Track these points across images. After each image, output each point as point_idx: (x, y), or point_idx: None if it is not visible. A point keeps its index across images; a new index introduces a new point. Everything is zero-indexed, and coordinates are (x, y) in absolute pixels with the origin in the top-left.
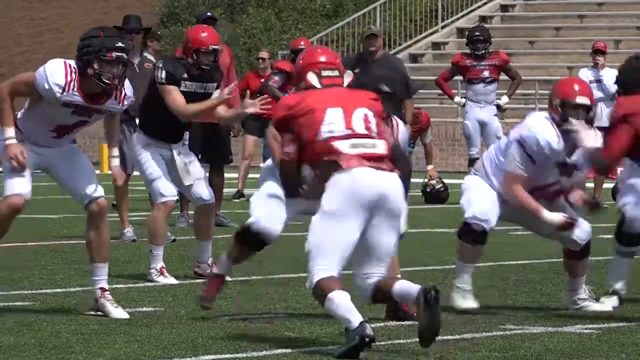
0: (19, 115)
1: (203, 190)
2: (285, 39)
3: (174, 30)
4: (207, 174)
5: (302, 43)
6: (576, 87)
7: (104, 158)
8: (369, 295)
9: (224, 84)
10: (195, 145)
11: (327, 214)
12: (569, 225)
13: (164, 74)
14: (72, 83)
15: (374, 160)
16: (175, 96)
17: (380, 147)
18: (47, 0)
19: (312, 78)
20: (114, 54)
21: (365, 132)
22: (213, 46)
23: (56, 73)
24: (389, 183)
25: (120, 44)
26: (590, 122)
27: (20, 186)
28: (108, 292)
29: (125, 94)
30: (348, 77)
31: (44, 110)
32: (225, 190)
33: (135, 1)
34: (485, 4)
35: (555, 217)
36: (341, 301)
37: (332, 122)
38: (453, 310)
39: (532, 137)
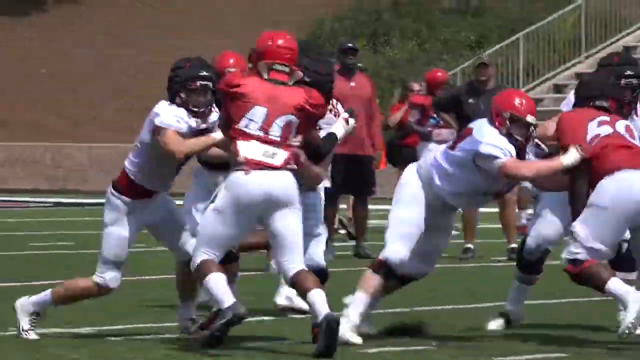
0: (132, 167)
1: None
2: (429, 70)
3: None
4: (352, 205)
5: (440, 74)
6: (525, 104)
7: None
8: (289, 281)
9: (366, 114)
10: (339, 177)
11: (216, 210)
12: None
13: None
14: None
15: (266, 168)
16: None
17: (278, 159)
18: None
19: (262, 68)
20: (199, 83)
21: (277, 139)
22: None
23: (172, 110)
24: (275, 182)
25: (204, 73)
26: (530, 138)
27: (112, 276)
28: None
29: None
30: (296, 76)
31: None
32: (371, 221)
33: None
34: (629, 33)
35: (570, 155)
36: (218, 283)
37: (252, 118)
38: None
39: (492, 151)
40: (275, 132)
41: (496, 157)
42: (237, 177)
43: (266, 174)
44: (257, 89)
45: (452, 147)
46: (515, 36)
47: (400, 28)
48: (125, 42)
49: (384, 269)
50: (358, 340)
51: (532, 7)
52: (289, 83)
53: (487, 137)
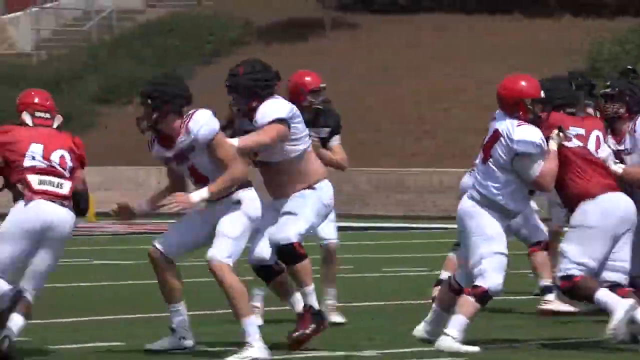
0: None
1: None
2: None
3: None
4: None
5: None
6: (534, 83)
7: None
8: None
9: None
10: None
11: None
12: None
13: None
14: (150, 141)
15: (55, 196)
16: None
17: (65, 188)
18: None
19: (26, 117)
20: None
21: (60, 169)
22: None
23: None
24: (56, 215)
25: (146, 87)
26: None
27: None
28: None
29: (187, 124)
30: (58, 121)
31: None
32: None
33: (561, 55)
34: None
35: (552, 141)
36: None
37: (33, 155)
38: None
39: (532, 146)
40: (55, 164)
41: (533, 157)
42: (26, 206)
43: (52, 205)
44: (28, 132)
45: (485, 160)
46: None
47: None
48: (406, 68)
49: (486, 297)
50: (475, 348)
51: None
52: (53, 126)
53: (520, 134)
